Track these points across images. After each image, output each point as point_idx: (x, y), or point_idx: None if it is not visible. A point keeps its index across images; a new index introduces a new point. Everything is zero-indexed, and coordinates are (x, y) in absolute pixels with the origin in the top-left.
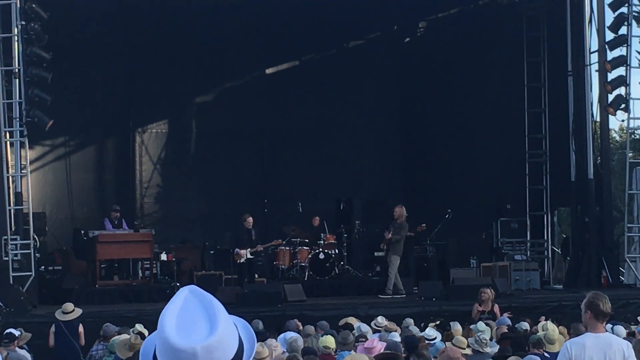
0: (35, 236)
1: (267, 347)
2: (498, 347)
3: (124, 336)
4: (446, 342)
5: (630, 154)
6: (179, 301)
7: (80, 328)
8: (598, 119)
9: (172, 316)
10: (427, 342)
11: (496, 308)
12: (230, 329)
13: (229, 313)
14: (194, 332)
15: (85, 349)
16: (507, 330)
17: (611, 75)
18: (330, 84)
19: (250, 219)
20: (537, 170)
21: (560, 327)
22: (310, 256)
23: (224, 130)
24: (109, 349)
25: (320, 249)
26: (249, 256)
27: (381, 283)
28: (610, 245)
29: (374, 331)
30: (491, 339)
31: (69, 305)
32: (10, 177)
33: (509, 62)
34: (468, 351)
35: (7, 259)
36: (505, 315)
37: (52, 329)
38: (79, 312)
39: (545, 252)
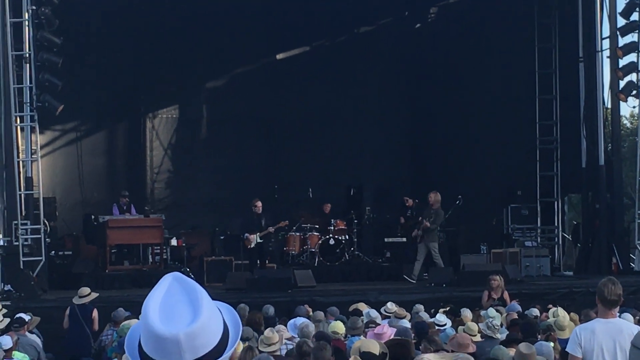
0: (45, 221)
1: (276, 333)
2: (507, 332)
3: (134, 321)
4: (457, 329)
5: None
6: (162, 288)
7: (95, 313)
8: (609, 106)
9: (156, 303)
10: (437, 328)
11: (506, 295)
12: (215, 314)
13: (239, 298)
14: (176, 319)
15: (98, 334)
16: (517, 317)
17: (622, 62)
18: (341, 69)
19: (259, 204)
20: (547, 156)
21: (571, 313)
22: (320, 242)
23: (234, 116)
24: (119, 334)
25: (331, 235)
26: (258, 241)
27: (391, 269)
28: (621, 232)
29: (384, 317)
30: (501, 326)
31: (85, 289)
32: (21, 162)
33: (520, 48)
34: (478, 337)
35: (17, 243)
36: (515, 302)
37: (67, 311)
38: (94, 295)
39: (556, 238)
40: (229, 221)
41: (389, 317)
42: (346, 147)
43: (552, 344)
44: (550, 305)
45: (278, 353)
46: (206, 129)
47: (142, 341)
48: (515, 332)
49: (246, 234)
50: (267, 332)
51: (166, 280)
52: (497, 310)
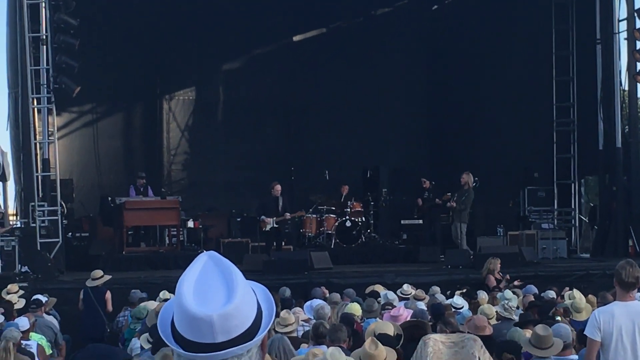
0: (62, 203)
1: (292, 314)
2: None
3: (150, 303)
4: (472, 312)
5: None
6: (197, 267)
7: (108, 294)
8: (626, 88)
9: (190, 283)
10: (453, 310)
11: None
12: (249, 296)
13: (255, 280)
14: (211, 300)
15: (112, 314)
16: (533, 299)
17: None
18: (358, 51)
19: (279, 187)
20: (564, 138)
21: (589, 296)
22: (337, 224)
23: (251, 97)
24: (135, 315)
25: (347, 217)
26: (274, 225)
27: (407, 251)
28: (638, 214)
29: (400, 299)
30: (517, 308)
31: (98, 272)
32: (38, 144)
33: (537, 30)
34: (494, 320)
35: (34, 225)
36: (516, 282)
37: (81, 295)
38: (107, 277)
39: (573, 220)
40: (245, 203)
41: (405, 299)
42: (363, 129)
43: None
44: (567, 288)
45: (294, 335)
46: (223, 111)
47: (175, 320)
48: (532, 314)
49: (262, 217)
50: (284, 313)
51: (201, 259)
52: (514, 292)
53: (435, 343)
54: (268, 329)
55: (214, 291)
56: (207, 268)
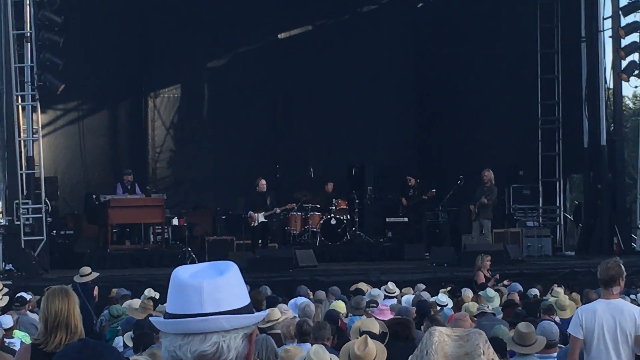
0: (47, 200)
1: (277, 310)
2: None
3: (136, 300)
4: (456, 309)
5: None
6: (198, 265)
7: (96, 290)
8: (611, 86)
9: (187, 267)
10: (438, 307)
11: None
12: (242, 283)
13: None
14: (203, 273)
15: (97, 312)
16: (518, 297)
17: (625, 42)
18: (343, 49)
19: (264, 182)
20: (549, 136)
21: (573, 293)
22: (321, 222)
23: (236, 95)
24: (111, 313)
25: (332, 215)
26: (262, 219)
27: (392, 249)
28: (623, 212)
29: (385, 297)
30: (500, 306)
31: (86, 269)
32: (22, 142)
33: (523, 27)
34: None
35: (18, 223)
36: (505, 282)
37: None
38: (95, 274)
39: (558, 218)
40: (230, 201)
41: (390, 297)
42: (348, 127)
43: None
44: (555, 285)
45: (278, 331)
46: (208, 109)
47: (167, 300)
48: (513, 311)
49: (250, 212)
50: (268, 310)
51: (203, 263)
52: (498, 291)
53: (441, 334)
54: (258, 321)
55: (208, 270)
56: (205, 263)
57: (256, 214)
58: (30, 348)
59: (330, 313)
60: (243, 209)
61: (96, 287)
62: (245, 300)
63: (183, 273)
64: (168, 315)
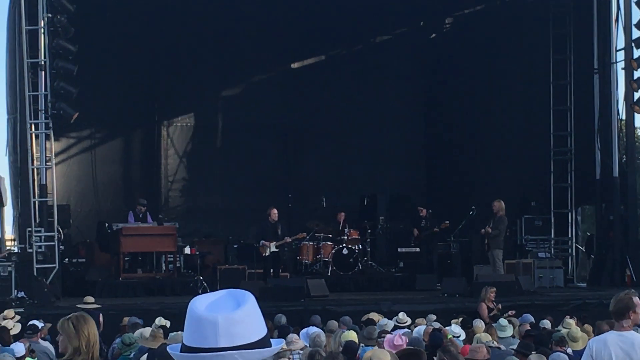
0: (59, 228)
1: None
2: (518, 342)
3: (147, 329)
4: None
5: None
6: (214, 294)
7: (101, 318)
8: (624, 117)
9: (204, 298)
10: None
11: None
12: (259, 316)
13: None
14: (219, 306)
15: (108, 341)
16: (530, 328)
17: (637, 73)
18: (356, 79)
19: (275, 211)
20: (562, 167)
21: (585, 325)
22: (333, 251)
23: (249, 124)
24: (124, 341)
25: (344, 245)
26: (273, 249)
27: (404, 279)
28: (635, 243)
29: (397, 327)
30: (513, 337)
31: (89, 298)
32: (35, 169)
33: (535, 59)
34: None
35: (31, 250)
36: (510, 313)
37: None
38: (97, 305)
39: (569, 249)
40: (242, 230)
41: (401, 327)
42: (360, 157)
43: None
44: (567, 317)
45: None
46: (221, 138)
47: (184, 330)
48: (529, 343)
49: (262, 241)
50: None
51: (222, 291)
52: (510, 322)
53: None
54: (272, 354)
55: (224, 302)
56: (222, 293)
57: (268, 244)
58: None
59: (349, 344)
60: (254, 238)
61: (101, 315)
62: (261, 332)
63: (200, 305)
64: (185, 347)
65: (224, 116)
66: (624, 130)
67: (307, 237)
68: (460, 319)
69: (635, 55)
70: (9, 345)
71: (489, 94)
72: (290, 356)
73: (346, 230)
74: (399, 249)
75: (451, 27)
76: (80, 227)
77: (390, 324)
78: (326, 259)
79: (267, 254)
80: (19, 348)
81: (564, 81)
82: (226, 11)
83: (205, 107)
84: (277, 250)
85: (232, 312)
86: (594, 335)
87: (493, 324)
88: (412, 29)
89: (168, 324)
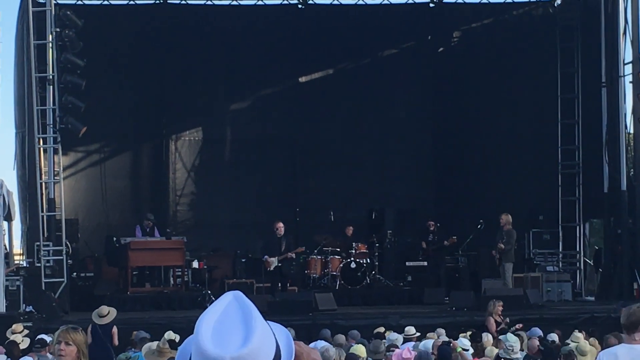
0: (67, 242)
1: None
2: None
3: (154, 343)
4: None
5: None
6: (220, 307)
7: (114, 329)
8: (631, 131)
9: (210, 322)
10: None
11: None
12: (267, 340)
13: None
14: (227, 341)
15: (119, 349)
16: (538, 342)
17: None
18: (364, 93)
19: (281, 225)
20: (569, 181)
21: (592, 339)
22: (341, 265)
23: (257, 138)
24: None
25: (352, 258)
26: (277, 264)
27: (412, 293)
28: None
29: (405, 341)
30: (521, 350)
31: (104, 309)
32: (44, 184)
33: (543, 72)
34: None
35: (39, 265)
36: (517, 326)
37: (89, 329)
38: (114, 313)
39: (578, 263)
40: (250, 244)
41: (410, 340)
42: (368, 171)
43: None
44: (575, 331)
45: None
46: (229, 151)
47: (192, 357)
48: (537, 356)
49: (266, 256)
50: None
51: (226, 298)
52: (518, 335)
53: None
54: None
55: (232, 333)
56: (229, 309)
57: (272, 259)
58: None
59: (350, 357)
60: (260, 252)
61: (115, 327)
62: (270, 353)
63: (205, 337)
64: None
65: (232, 130)
66: (632, 144)
67: (314, 253)
68: (469, 332)
69: None
70: None
71: (496, 108)
72: None
73: (354, 244)
74: (407, 263)
75: (458, 41)
76: (88, 241)
77: (400, 338)
78: (334, 273)
79: (271, 269)
80: None
81: (571, 95)
82: (234, 25)
83: (213, 121)
84: (280, 265)
85: (240, 350)
86: (602, 349)
87: (500, 338)
88: (419, 43)
89: (177, 338)
